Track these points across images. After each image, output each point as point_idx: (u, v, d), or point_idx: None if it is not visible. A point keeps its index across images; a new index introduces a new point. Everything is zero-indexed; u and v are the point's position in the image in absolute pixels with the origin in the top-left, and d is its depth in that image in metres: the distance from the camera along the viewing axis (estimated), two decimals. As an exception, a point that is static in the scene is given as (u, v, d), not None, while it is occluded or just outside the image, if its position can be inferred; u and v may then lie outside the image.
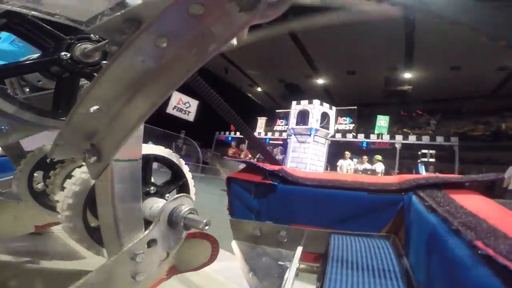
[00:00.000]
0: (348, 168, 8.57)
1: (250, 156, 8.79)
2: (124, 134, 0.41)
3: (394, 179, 0.57)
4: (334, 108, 9.60)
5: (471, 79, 9.39)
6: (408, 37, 8.20)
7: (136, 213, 0.51)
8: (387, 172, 8.50)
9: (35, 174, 0.82)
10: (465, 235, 0.34)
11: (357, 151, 9.37)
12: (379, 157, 8.68)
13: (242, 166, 0.71)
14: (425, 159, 8.35)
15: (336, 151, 9.51)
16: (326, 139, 9.55)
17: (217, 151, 12.98)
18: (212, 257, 0.71)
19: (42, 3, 0.49)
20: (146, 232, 0.51)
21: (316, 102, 9.06)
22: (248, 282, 0.61)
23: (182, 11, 0.31)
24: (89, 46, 0.68)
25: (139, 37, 0.33)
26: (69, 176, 0.62)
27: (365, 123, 9.83)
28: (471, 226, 0.35)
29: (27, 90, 0.80)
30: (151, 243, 0.52)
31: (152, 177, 0.67)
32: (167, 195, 0.67)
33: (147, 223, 0.54)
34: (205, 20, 0.32)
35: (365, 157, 8.53)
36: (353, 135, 9.58)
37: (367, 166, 8.46)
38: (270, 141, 10.80)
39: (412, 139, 8.87)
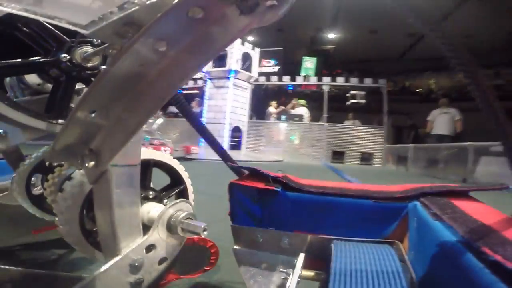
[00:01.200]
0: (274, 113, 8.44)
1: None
2: (122, 139, 0.41)
3: (399, 187, 0.57)
4: (257, 49, 8.64)
5: (385, 43, 10.69)
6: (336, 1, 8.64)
7: (134, 218, 0.50)
8: (315, 119, 8.56)
9: (33, 178, 0.82)
10: (472, 242, 0.33)
11: (283, 95, 9.15)
12: (302, 101, 8.68)
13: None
14: (355, 101, 8.83)
15: (260, 96, 8.98)
16: (249, 83, 8.54)
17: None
18: (212, 262, 0.70)
19: (43, 6, 0.49)
20: (145, 237, 0.51)
21: (236, 40, 8.21)
22: None
23: (182, 15, 0.31)
24: (89, 50, 0.68)
25: (138, 40, 0.32)
26: (67, 179, 0.61)
27: (291, 67, 9.59)
28: (477, 233, 0.35)
29: (27, 93, 0.80)
30: (149, 248, 0.51)
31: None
32: (166, 200, 0.66)
33: (146, 228, 0.53)
34: (204, 24, 0.31)
35: (294, 101, 8.42)
36: (278, 77, 9.08)
37: (291, 111, 8.41)
38: (184, 91, 9.07)
39: (340, 80, 8.87)
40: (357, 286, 0.40)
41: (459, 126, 6.04)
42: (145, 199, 0.62)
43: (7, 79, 0.78)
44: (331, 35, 10.95)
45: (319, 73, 9.31)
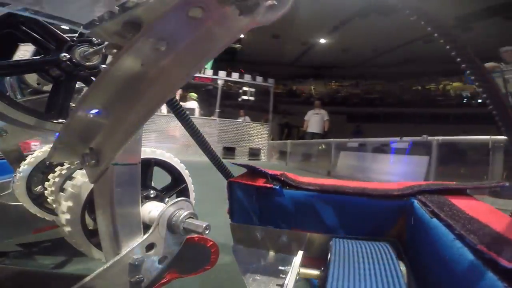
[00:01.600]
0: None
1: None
2: (123, 138, 0.41)
3: (396, 185, 0.57)
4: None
5: (283, 48, 11.88)
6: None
7: (134, 217, 0.50)
8: (207, 115, 8.67)
9: (33, 177, 0.82)
10: (468, 239, 0.33)
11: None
12: (193, 95, 8.67)
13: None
14: (246, 97, 9.42)
15: None
16: None
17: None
18: (212, 261, 0.70)
19: (42, 6, 0.48)
20: (145, 236, 0.51)
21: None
22: (249, 287, 0.60)
23: (182, 15, 0.31)
24: (89, 49, 0.68)
25: (138, 40, 0.33)
26: (68, 179, 0.61)
27: None
28: (474, 230, 0.35)
29: (27, 93, 0.80)
30: (149, 247, 0.52)
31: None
32: (167, 199, 0.67)
33: (147, 227, 0.53)
34: (204, 24, 0.32)
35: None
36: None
37: (184, 104, 7.96)
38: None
39: (235, 76, 9.19)
40: (355, 284, 0.40)
41: (327, 125, 7.19)
42: (146, 198, 0.62)
43: (7, 78, 0.78)
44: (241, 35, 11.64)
45: (214, 68, 9.27)
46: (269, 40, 11.39)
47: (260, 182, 0.60)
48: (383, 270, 0.43)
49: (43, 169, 0.82)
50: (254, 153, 8.75)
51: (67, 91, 0.70)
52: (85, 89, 0.75)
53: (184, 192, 0.73)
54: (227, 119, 8.86)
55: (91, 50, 0.68)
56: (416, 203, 0.50)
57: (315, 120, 7.28)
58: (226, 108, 9.58)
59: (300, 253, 0.54)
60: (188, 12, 0.30)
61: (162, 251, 0.53)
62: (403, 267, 0.45)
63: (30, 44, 0.69)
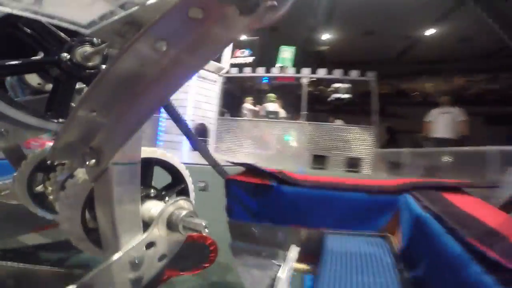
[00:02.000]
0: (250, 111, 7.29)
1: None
2: (123, 138, 0.41)
3: (392, 181, 0.58)
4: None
5: (381, 45, 10.38)
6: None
7: (134, 215, 0.51)
8: (294, 116, 7.43)
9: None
10: (458, 233, 0.34)
11: (257, 89, 8.17)
12: (272, 96, 7.63)
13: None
14: (339, 96, 7.55)
15: (232, 90, 7.94)
16: (219, 75, 7.35)
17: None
18: (211, 259, 0.71)
19: (42, 6, 0.49)
20: (145, 234, 0.51)
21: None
22: (245, 283, 0.61)
23: (182, 15, 0.31)
24: (89, 49, 0.69)
25: (138, 40, 0.33)
26: (69, 177, 0.62)
27: (268, 58, 8.35)
28: (464, 224, 0.36)
29: (28, 93, 0.80)
30: (149, 245, 0.52)
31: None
32: (167, 198, 0.67)
33: (147, 225, 0.53)
34: (204, 24, 0.32)
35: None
36: (251, 69, 7.69)
37: (266, 107, 7.28)
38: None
39: (322, 73, 7.41)
40: (349, 278, 0.41)
41: (464, 127, 4.94)
42: (146, 197, 0.62)
43: (8, 79, 0.78)
44: (325, 36, 10.39)
45: (297, 65, 8.05)
46: (362, 38, 9.99)
47: (258, 180, 0.61)
48: (376, 265, 0.44)
49: (44, 168, 0.82)
50: (352, 164, 6.87)
51: (67, 91, 0.70)
52: (85, 89, 0.75)
53: (185, 192, 0.73)
54: (320, 123, 7.40)
55: (91, 50, 0.68)
56: (409, 198, 0.51)
57: (444, 121, 5.07)
58: (320, 113, 8.19)
59: (296, 249, 0.55)
60: (188, 12, 0.31)
61: (162, 249, 0.54)
62: (396, 262, 0.45)
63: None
